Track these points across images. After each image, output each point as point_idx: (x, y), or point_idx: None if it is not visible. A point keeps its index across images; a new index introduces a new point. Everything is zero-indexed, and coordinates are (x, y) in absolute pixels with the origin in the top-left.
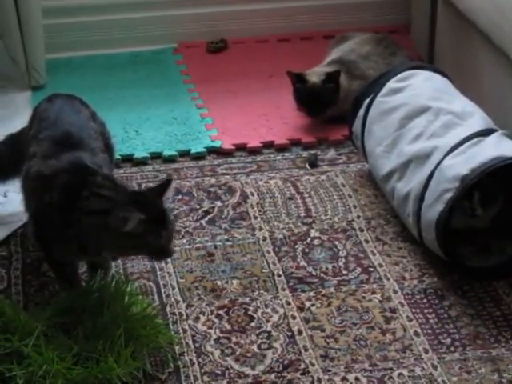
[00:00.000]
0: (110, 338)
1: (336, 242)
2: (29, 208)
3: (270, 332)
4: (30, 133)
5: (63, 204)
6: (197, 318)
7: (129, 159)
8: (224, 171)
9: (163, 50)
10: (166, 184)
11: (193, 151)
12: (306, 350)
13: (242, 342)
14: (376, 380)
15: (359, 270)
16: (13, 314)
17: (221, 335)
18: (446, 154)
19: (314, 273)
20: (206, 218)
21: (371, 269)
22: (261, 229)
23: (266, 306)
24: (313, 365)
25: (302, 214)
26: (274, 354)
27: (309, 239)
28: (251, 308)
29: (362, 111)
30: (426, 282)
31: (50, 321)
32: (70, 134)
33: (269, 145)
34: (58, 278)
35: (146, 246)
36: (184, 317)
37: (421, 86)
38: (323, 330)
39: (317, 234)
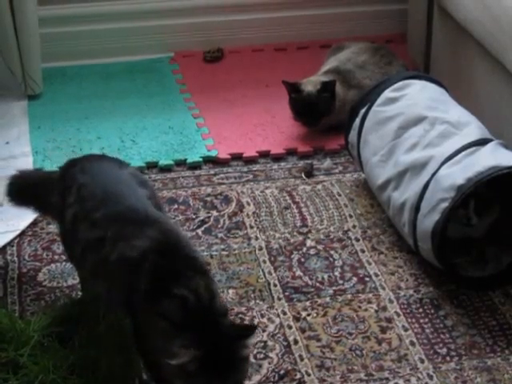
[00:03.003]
0: (105, 347)
1: (332, 252)
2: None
3: (265, 342)
4: (73, 211)
5: (151, 289)
6: None
7: None
8: (220, 181)
9: (160, 59)
10: (250, 328)
11: (189, 160)
12: (301, 359)
13: None
14: None
15: (355, 279)
16: (9, 324)
17: None
18: (442, 164)
19: (309, 282)
20: (202, 228)
21: (367, 278)
22: (257, 238)
23: (262, 316)
24: (308, 375)
25: (298, 224)
26: (269, 363)
27: (305, 249)
28: (247, 317)
29: (357, 121)
30: (421, 292)
31: (46, 330)
32: (131, 209)
33: (265, 154)
34: None
35: None
36: None
37: (417, 95)
38: (319, 340)
39: (313, 244)
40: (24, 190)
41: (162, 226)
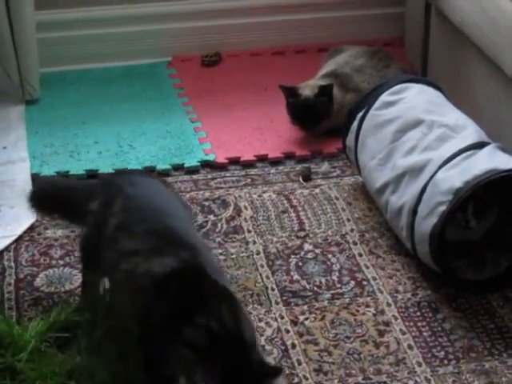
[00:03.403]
0: (103, 353)
1: (330, 256)
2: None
3: (263, 346)
4: (116, 220)
5: (173, 314)
6: None
7: None
8: (218, 185)
9: (157, 63)
10: (277, 370)
11: (186, 165)
12: (299, 363)
13: None
14: None
15: (353, 283)
16: (6, 329)
17: None
18: (440, 167)
19: (307, 286)
20: (200, 232)
21: (365, 282)
22: (254, 242)
23: (260, 320)
24: (306, 379)
25: (296, 228)
26: None
27: (302, 253)
28: None
29: (355, 124)
30: (419, 295)
31: (44, 336)
32: (172, 229)
33: (263, 158)
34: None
35: None
36: None
37: (414, 99)
38: (317, 344)
39: (310, 248)
40: (52, 196)
41: (197, 250)
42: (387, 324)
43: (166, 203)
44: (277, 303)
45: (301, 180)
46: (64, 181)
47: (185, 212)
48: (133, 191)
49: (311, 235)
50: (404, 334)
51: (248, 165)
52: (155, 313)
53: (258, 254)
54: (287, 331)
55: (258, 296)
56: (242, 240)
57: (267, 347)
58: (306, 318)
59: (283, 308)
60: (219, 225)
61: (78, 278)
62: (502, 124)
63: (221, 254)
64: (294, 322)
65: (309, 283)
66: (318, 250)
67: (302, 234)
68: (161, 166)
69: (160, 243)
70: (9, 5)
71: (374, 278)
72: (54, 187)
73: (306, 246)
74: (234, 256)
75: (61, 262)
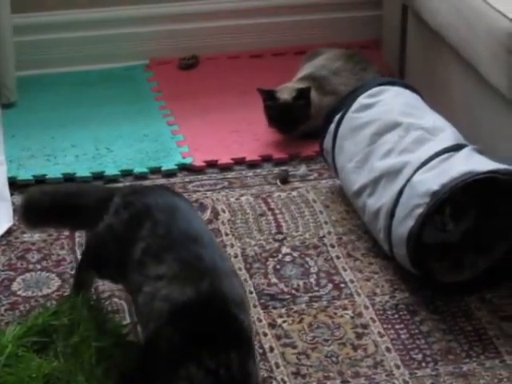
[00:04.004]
0: (81, 358)
1: (307, 259)
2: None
3: None
4: (144, 245)
5: (182, 344)
6: None
7: (99, 177)
8: (195, 188)
9: (134, 66)
10: None
11: (164, 168)
12: (277, 367)
13: None
14: None
15: (330, 286)
16: None
17: None
18: (417, 169)
19: (285, 289)
20: None
21: (342, 285)
22: (232, 246)
23: None
24: (284, 382)
25: (274, 231)
26: None
27: (280, 256)
28: None
29: (332, 127)
30: (397, 298)
31: (21, 340)
32: (200, 257)
33: (240, 161)
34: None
35: None
36: None
37: (391, 101)
38: (295, 347)
39: (288, 251)
40: (51, 206)
41: (221, 281)
42: (365, 327)
43: (193, 228)
44: (255, 306)
45: (278, 183)
46: (62, 187)
47: (210, 234)
48: (162, 217)
49: (289, 238)
50: (382, 336)
51: (225, 168)
52: (165, 337)
53: (235, 257)
54: (265, 334)
55: None
56: (219, 243)
57: None
58: (284, 321)
59: (261, 311)
60: None
61: (55, 282)
62: (479, 125)
63: None
64: (272, 325)
65: (287, 286)
66: (295, 253)
67: (280, 236)
68: (138, 170)
69: (186, 271)
70: None
71: (352, 281)
72: (50, 197)
73: (284, 249)
74: None
75: (38, 267)
